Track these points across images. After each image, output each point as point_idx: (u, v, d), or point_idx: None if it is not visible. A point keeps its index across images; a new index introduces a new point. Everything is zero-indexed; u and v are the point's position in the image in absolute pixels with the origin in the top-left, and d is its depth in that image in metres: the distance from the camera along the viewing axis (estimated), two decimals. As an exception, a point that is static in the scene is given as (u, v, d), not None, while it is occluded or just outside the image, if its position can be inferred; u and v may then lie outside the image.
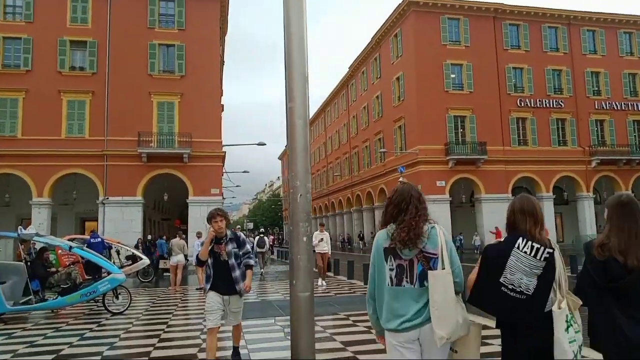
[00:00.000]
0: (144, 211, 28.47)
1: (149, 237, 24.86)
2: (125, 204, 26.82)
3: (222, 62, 30.35)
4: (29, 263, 9.19)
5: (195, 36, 28.33)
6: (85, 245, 14.14)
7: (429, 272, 2.63)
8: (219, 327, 5.43)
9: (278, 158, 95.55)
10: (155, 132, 27.28)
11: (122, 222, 26.60)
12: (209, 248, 5.34)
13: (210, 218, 5.35)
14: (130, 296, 9.88)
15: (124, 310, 9.61)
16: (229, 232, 5.48)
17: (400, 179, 30.41)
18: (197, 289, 13.45)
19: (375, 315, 2.80)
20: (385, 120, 37.30)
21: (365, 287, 12.59)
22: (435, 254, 2.65)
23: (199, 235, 14.17)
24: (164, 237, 23.44)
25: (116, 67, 27.28)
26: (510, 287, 2.55)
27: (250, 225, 51.39)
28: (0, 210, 29.30)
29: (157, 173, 27.42)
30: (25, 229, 9.11)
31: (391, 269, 2.68)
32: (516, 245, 2.60)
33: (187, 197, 27.97)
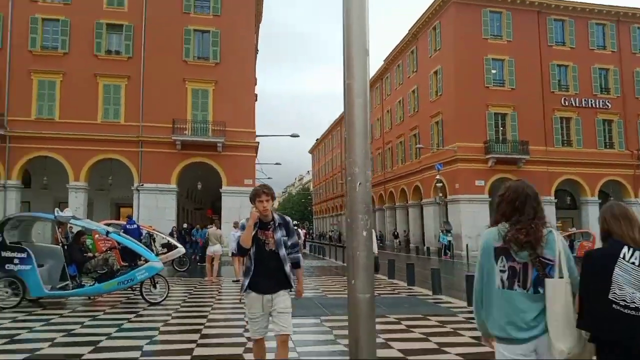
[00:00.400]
0: (177, 199, 28.40)
1: (185, 225, 24.73)
2: (159, 192, 26.75)
3: (257, 51, 29.93)
4: (65, 247, 8.89)
5: (230, 23, 27.95)
6: (122, 231, 13.89)
7: (549, 280, 2.46)
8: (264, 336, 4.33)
9: (308, 152, 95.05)
10: (190, 120, 27.07)
11: (156, 209, 26.54)
12: (253, 234, 4.12)
13: (254, 196, 4.18)
14: (168, 286, 9.51)
15: (162, 301, 9.24)
16: (276, 216, 4.28)
17: (438, 177, 29.56)
18: (233, 281, 13.03)
19: (483, 319, 2.62)
20: (421, 116, 36.31)
21: (409, 289, 12.04)
22: (553, 261, 2.49)
23: (235, 225, 13.70)
24: (197, 227, 23.41)
25: (151, 52, 27.14)
26: (622, 303, 2.33)
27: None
28: (39, 192, 29.68)
29: (191, 161, 27.26)
30: (61, 211, 8.80)
31: (502, 271, 2.53)
32: (621, 256, 2.38)
33: (220, 187, 27.71)
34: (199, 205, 45.99)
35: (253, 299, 4.17)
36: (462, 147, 30.44)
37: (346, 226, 2.41)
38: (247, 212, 23.70)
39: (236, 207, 26.80)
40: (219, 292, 11.11)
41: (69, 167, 26.28)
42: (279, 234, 4.20)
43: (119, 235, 9.20)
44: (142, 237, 16.34)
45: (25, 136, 25.79)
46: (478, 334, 6.86)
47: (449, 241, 28.79)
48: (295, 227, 12.77)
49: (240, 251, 4.23)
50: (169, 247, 15.04)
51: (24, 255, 8.17)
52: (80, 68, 26.57)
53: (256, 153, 28.95)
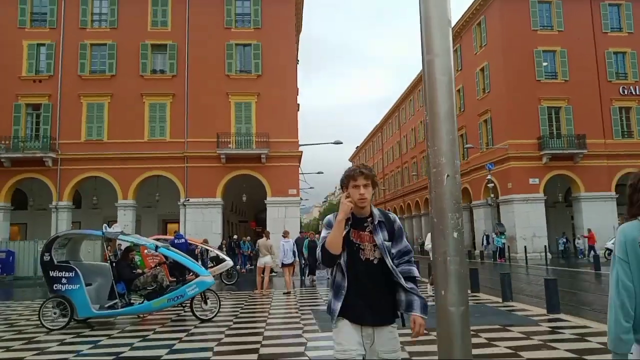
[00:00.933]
0: (223, 213, 28.42)
1: (235, 236, 24.66)
2: (205, 206, 26.82)
3: (297, 61, 29.76)
4: (114, 264, 8.63)
5: (271, 34, 27.91)
6: (169, 246, 13.78)
7: None
8: None
9: (349, 160, 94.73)
10: (233, 133, 27.08)
11: (202, 223, 26.63)
12: (344, 234, 2.81)
13: (347, 179, 2.90)
14: (220, 301, 9.08)
15: (213, 317, 8.82)
16: (376, 211, 2.96)
17: (489, 177, 28.25)
18: (284, 293, 12.54)
19: (630, 329, 2.15)
20: (468, 115, 35.01)
21: (474, 295, 10.97)
22: None
23: (285, 235, 13.26)
24: (244, 239, 23.36)
25: (195, 69, 27.43)
26: None
27: (325, 226, 50.59)
28: (89, 212, 30.55)
29: (235, 174, 27.22)
30: (110, 227, 8.55)
31: None
32: None
33: (263, 199, 27.52)
34: (243, 217, 46.15)
35: (346, 330, 2.81)
36: (513, 144, 29.00)
37: (432, 227, 2.07)
38: (293, 223, 23.30)
39: (281, 217, 26.55)
40: (271, 306, 10.63)
41: (117, 185, 26.79)
42: (380, 237, 2.88)
43: (169, 249, 8.85)
44: (196, 252, 16.24)
45: (75, 158, 26.56)
46: (575, 346, 6.05)
47: (504, 243, 27.39)
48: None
49: (326, 260, 2.84)
50: (217, 260, 14.77)
51: (71, 274, 7.93)
52: (127, 89, 27.17)
53: (299, 162, 28.58)
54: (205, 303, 8.83)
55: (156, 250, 8.48)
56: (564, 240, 28.46)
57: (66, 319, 7.95)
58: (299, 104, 29.55)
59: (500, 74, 30.23)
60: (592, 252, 27.21)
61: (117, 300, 8.04)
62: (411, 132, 50.48)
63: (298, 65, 29.74)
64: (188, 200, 26.78)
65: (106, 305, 8.09)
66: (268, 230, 13.23)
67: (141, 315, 9.13)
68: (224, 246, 20.25)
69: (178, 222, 27.39)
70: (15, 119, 26.78)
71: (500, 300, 10.22)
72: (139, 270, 8.98)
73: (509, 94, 29.46)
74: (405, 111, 53.25)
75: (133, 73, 27.45)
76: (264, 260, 12.53)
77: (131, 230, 26.76)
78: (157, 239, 14.71)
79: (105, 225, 8.47)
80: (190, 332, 7.90)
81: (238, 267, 22.55)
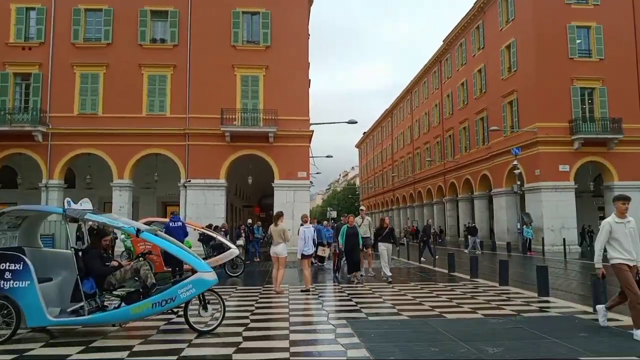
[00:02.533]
0: (227, 196, 26.35)
1: (249, 221, 22.65)
2: (208, 187, 24.72)
3: (308, 35, 27.42)
4: (80, 253, 6.22)
5: (281, 2, 25.58)
6: (164, 230, 11.62)
7: None
8: None
9: (355, 146, 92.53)
10: (239, 109, 24.86)
11: (204, 206, 24.56)
12: None
13: None
14: (224, 305, 6.74)
15: (215, 328, 6.56)
16: None
17: (515, 163, 26.03)
18: (302, 290, 10.39)
19: None
20: (490, 96, 32.63)
21: (543, 300, 8.63)
22: None
23: (304, 220, 11.04)
24: (259, 223, 21.72)
25: (198, 38, 25.15)
26: None
27: (334, 214, 48.47)
28: (84, 192, 28.36)
29: (240, 154, 25.06)
30: (75, 204, 6.23)
31: None
32: None
33: (269, 182, 25.40)
34: (248, 202, 44.11)
35: None
36: (542, 127, 26.69)
37: None
38: (301, 208, 21.17)
39: (289, 202, 24.48)
40: (290, 310, 8.37)
41: (112, 164, 24.69)
42: None
43: (155, 234, 6.49)
44: (201, 237, 14.15)
45: (67, 133, 24.44)
46: None
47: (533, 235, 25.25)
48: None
49: None
50: (220, 248, 12.67)
51: (18, 266, 5.59)
52: (124, 59, 24.95)
53: (310, 143, 26.39)
54: (205, 309, 6.51)
55: (137, 235, 6.21)
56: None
57: (11, 329, 5.71)
58: (310, 80, 27.26)
59: (529, 52, 27.82)
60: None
61: (83, 304, 5.81)
62: (424, 116, 48.10)
63: (309, 40, 27.34)
64: (189, 181, 24.66)
65: (69, 310, 5.86)
66: (281, 212, 10.87)
67: (117, 325, 6.79)
68: (225, 230, 18.05)
69: (178, 205, 25.33)
70: (2, 89, 24.59)
71: (574, 305, 8.13)
72: (115, 263, 6.60)
73: (538, 73, 27.09)
74: (417, 94, 50.80)
75: (131, 42, 25.18)
76: (275, 250, 10.42)
77: (127, 213, 24.75)
78: (150, 222, 12.63)
79: (67, 200, 6.20)
80: (181, 355, 5.56)
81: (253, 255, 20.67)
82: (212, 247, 13.38)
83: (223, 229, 18.09)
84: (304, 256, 10.42)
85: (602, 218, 30.25)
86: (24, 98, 25.15)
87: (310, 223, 12.02)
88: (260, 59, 25.36)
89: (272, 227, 10.51)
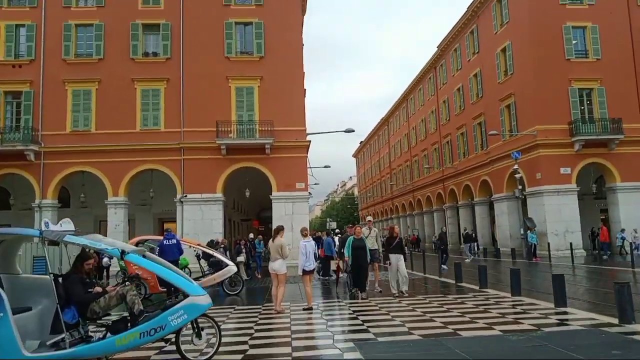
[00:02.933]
0: (224, 210, 25.88)
1: (251, 235, 22.10)
2: (204, 202, 24.23)
3: (302, 45, 27.14)
4: (60, 279, 5.63)
5: (274, 12, 25.29)
6: (157, 249, 11.15)
7: None
8: None
9: (352, 156, 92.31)
10: (235, 121, 24.47)
11: (201, 222, 24.06)
12: None
13: None
14: (220, 332, 6.17)
15: (211, 356, 5.94)
16: None
17: (515, 167, 25.66)
18: (304, 309, 9.84)
19: None
20: (487, 101, 32.37)
21: (562, 312, 8.07)
22: None
23: (304, 233, 10.49)
24: (260, 237, 20.96)
25: (191, 51, 24.82)
26: None
27: (334, 225, 47.91)
28: (79, 212, 27.90)
29: (237, 167, 24.62)
30: (52, 225, 5.66)
31: None
32: None
33: (267, 195, 24.91)
34: (246, 216, 43.54)
35: None
36: (542, 130, 26.36)
37: None
38: (300, 220, 20.41)
39: (288, 214, 24.02)
40: (292, 333, 7.75)
41: (107, 181, 24.20)
42: None
43: (142, 257, 5.92)
44: (199, 256, 13.62)
45: (60, 151, 24.00)
46: None
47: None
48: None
49: None
50: (218, 265, 12.16)
51: None
52: (117, 74, 24.60)
53: (307, 153, 25.98)
54: (199, 336, 5.93)
55: (122, 257, 5.68)
56: (623, 236, 24.59)
57: None
58: (305, 90, 26.93)
59: (525, 54, 27.61)
60: (608, 250, 24.61)
61: (64, 335, 5.27)
62: (421, 123, 47.84)
63: (303, 49, 27.05)
64: (185, 196, 24.18)
65: (49, 343, 5.33)
66: (281, 226, 10.24)
67: (105, 357, 5.85)
68: (224, 247, 17.51)
69: (175, 221, 24.82)
70: (-7, 108, 24.17)
71: (596, 317, 7.66)
72: (98, 289, 6.00)
73: (535, 76, 26.83)
74: (413, 102, 50.59)
75: (123, 56, 24.84)
76: (271, 266, 9.71)
77: (123, 231, 24.24)
78: (143, 241, 12.14)
79: (45, 221, 5.67)
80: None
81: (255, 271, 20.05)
82: (210, 264, 12.87)
83: (222, 245, 17.57)
84: (305, 272, 9.87)
85: (605, 221, 30.01)
86: (15, 117, 24.73)
87: (321, 235, 11.66)
88: (254, 69, 25.04)
89: (270, 242, 10.03)
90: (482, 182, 34.00)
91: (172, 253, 11.19)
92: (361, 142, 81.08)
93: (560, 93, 26.63)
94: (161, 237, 12.22)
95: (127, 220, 25.03)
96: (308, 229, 11.11)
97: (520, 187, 26.00)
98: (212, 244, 17.03)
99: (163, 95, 24.82)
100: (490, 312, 8.76)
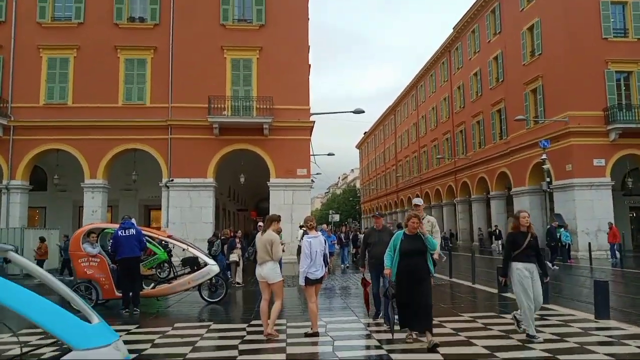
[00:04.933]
0: (217, 198, 23.17)
1: (260, 224, 18.90)
2: (193, 187, 21.50)
3: (308, 16, 24.27)
4: None
5: (277, -26, 22.42)
6: (109, 244, 8.47)
7: None
8: None
9: (356, 147, 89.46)
10: (229, 97, 21.68)
11: (189, 210, 21.34)
12: None
13: None
14: None
15: None
16: None
17: (544, 157, 22.84)
18: (306, 334, 6.78)
19: None
20: (509, 85, 29.47)
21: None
22: None
23: (310, 224, 7.19)
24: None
25: (182, 17, 22.00)
26: None
27: (337, 218, 45.25)
28: (56, 195, 25.27)
29: (231, 149, 21.86)
30: None
31: None
32: None
33: (265, 183, 22.15)
34: (242, 206, 40.82)
35: None
36: (574, 116, 23.52)
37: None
38: (302, 210, 16.27)
39: (287, 203, 21.29)
40: None
41: (84, 161, 21.48)
42: None
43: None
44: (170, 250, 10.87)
45: (32, 126, 21.28)
46: None
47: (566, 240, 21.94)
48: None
49: None
50: (194, 263, 9.41)
51: None
52: (98, 40, 21.81)
53: (311, 135, 23.21)
54: None
55: None
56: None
57: None
58: (310, 65, 24.10)
59: (556, 32, 24.70)
60: (617, 252, 21.38)
61: None
62: (432, 111, 44.94)
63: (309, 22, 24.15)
64: (172, 180, 21.44)
65: None
66: (277, 215, 7.23)
67: None
68: (219, 240, 14.58)
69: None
70: (-44, 75, 21.40)
71: None
72: None
73: (567, 56, 23.96)
74: (424, 89, 47.63)
75: (105, 21, 22.03)
76: (258, 272, 6.79)
77: (101, 217, 21.53)
78: (94, 231, 9.40)
79: None
80: None
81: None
82: (183, 262, 10.08)
83: (222, 237, 14.54)
84: (309, 281, 6.63)
85: (635, 219, 27.27)
86: (-18, 86, 21.94)
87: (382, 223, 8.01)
88: (253, 39, 22.20)
89: (258, 235, 7.25)
90: (499, 174, 31.19)
91: (130, 248, 8.45)
92: (365, 132, 78.24)
93: (595, 76, 23.76)
94: (117, 226, 9.40)
95: (107, 205, 22.29)
96: (314, 220, 7.55)
97: (548, 179, 23.17)
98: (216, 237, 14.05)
99: (149, 66, 22.01)
100: (596, 353, 5.85)
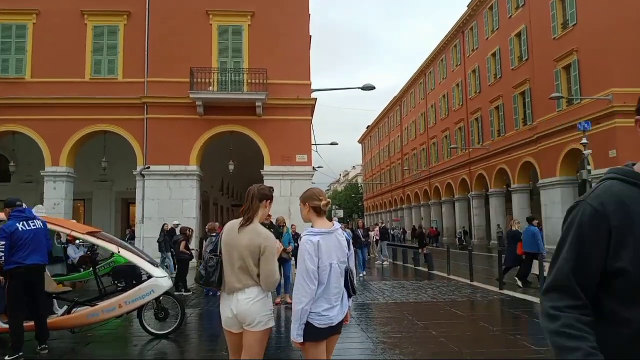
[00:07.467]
0: (206, 191, 19.91)
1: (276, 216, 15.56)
2: (173, 176, 18.23)
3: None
4: None
5: None
6: (3, 243, 5.17)
7: None
8: None
9: (358, 141, 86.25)
10: (216, 69, 18.39)
11: (169, 202, 18.08)
12: None
13: None
14: None
15: None
16: None
17: (584, 140, 19.57)
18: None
19: None
20: (535, 64, 26.11)
21: None
22: None
23: (316, 205, 3.77)
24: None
25: (159, -25, 18.71)
26: None
27: (340, 213, 42.14)
28: (20, 188, 22.00)
29: (218, 131, 18.58)
30: None
31: None
32: None
33: (260, 172, 18.88)
34: (238, 200, 37.39)
35: None
36: (619, 94, 20.18)
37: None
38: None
39: (285, 195, 17.96)
40: None
41: (44, 145, 18.22)
42: None
43: None
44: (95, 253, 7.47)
45: (-18, 103, 17.94)
46: None
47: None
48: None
49: None
50: (131, 275, 6.10)
51: None
52: (61, 4, 18.56)
53: (312, 115, 19.92)
54: None
55: None
56: None
57: None
58: (311, 36, 20.79)
59: (594, -2, 21.39)
60: None
61: None
62: (442, 99, 41.58)
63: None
64: (148, 167, 18.15)
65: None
66: (265, 187, 3.72)
67: None
68: (186, 233, 11.49)
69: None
70: None
71: None
72: None
73: (609, 24, 20.63)
74: (433, 75, 44.25)
75: (69, -19, 18.72)
76: (225, 309, 3.22)
77: (64, 212, 18.24)
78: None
79: None
80: None
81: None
82: (114, 273, 6.75)
83: (187, 231, 11.69)
84: (316, 333, 2.93)
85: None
86: None
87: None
88: (244, 3, 18.92)
89: (227, 228, 3.79)
90: (523, 164, 27.87)
91: (39, 251, 5.23)
92: (368, 126, 74.94)
93: (643, 47, 20.42)
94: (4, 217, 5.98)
95: (72, 197, 18.99)
96: (326, 196, 3.70)
97: (588, 167, 19.85)
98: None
99: (122, 34, 18.73)
100: None
